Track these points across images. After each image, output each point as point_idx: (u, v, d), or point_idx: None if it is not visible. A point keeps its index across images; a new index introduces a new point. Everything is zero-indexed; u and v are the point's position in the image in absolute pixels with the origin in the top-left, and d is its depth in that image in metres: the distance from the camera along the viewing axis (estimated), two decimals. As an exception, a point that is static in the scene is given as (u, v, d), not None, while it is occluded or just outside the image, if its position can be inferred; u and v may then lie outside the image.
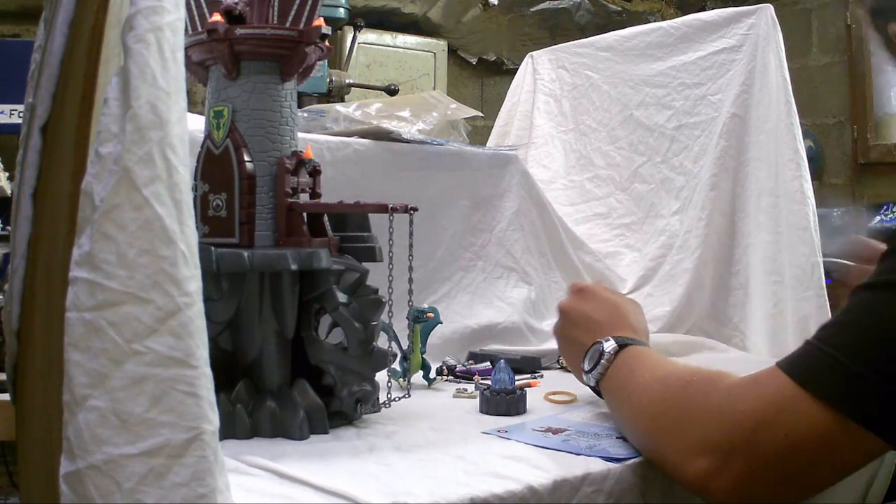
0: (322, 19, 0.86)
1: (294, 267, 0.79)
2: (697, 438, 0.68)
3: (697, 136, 1.53)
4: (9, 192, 2.13)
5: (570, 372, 1.23)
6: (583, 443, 0.78)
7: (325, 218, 0.88)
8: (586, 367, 0.89)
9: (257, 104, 0.83)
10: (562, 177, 1.74)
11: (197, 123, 0.90)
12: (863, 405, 0.62)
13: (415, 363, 1.05)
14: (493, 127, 1.87)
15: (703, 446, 0.67)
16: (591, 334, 0.90)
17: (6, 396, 0.72)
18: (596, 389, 0.89)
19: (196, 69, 0.87)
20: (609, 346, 0.86)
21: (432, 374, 1.09)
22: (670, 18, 2.02)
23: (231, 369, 0.83)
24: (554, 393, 1.01)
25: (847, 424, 0.62)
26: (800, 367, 0.65)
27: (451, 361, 1.15)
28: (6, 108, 2.36)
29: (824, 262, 1.28)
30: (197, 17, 0.86)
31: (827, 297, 1.27)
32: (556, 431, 0.83)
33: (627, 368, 0.84)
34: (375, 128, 1.30)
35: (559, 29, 3.99)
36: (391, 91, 1.97)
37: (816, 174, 3.71)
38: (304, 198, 0.87)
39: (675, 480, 0.72)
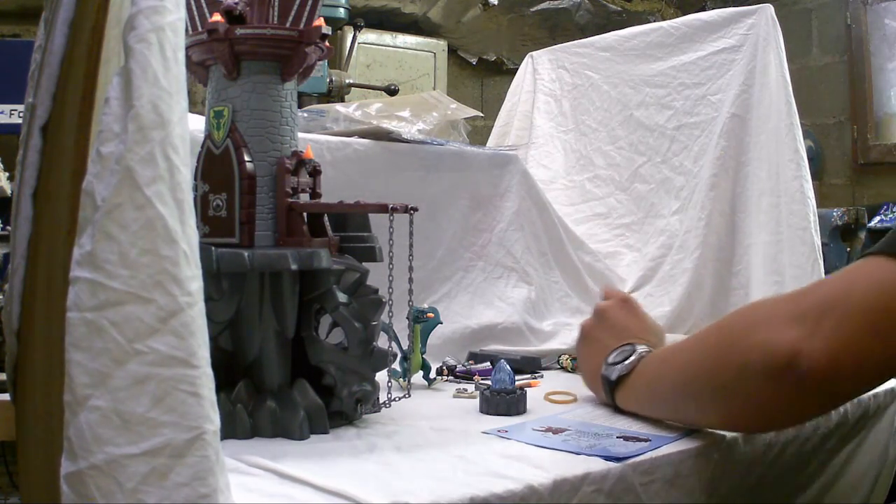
0: (322, 19, 0.86)
1: (294, 267, 0.79)
2: (785, 313, 0.68)
3: (697, 136, 1.53)
4: (9, 192, 2.13)
5: (570, 372, 1.23)
6: (583, 442, 0.78)
7: (325, 218, 0.88)
8: (613, 358, 0.90)
9: (257, 104, 0.83)
10: (562, 177, 1.74)
11: (197, 123, 0.90)
12: None
13: (415, 363, 1.05)
14: (493, 127, 1.87)
15: (792, 316, 0.67)
16: (620, 339, 0.93)
17: (6, 396, 0.72)
18: (610, 383, 0.89)
19: (196, 69, 0.87)
20: (642, 349, 0.89)
21: (432, 374, 1.09)
22: (670, 18, 2.02)
23: (231, 369, 0.83)
24: (554, 393, 1.01)
25: None
26: (876, 246, 0.68)
27: (451, 361, 1.15)
28: (6, 108, 2.36)
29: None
30: (197, 17, 0.86)
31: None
32: (556, 431, 0.83)
33: (657, 359, 0.86)
34: (375, 128, 1.30)
35: (559, 29, 3.99)
36: (391, 91, 1.97)
37: (816, 174, 3.72)
38: (304, 198, 0.87)
39: (763, 372, 0.69)
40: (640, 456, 0.75)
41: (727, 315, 0.80)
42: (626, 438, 0.80)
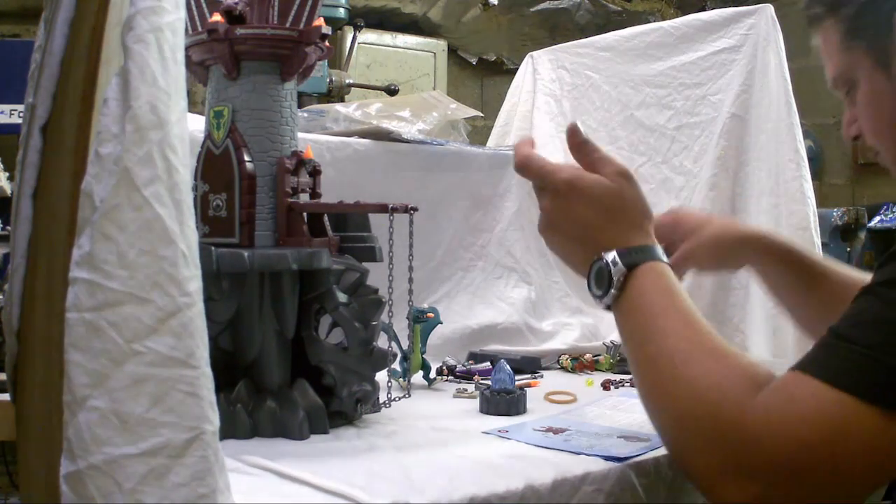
0: (322, 19, 0.86)
1: (294, 267, 0.79)
2: (732, 460, 0.63)
3: (697, 136, 1.53)
4: (9, 192, 2.13)
5: (570, 372, 1.23)
6: (583, 442, 0.78)
7: (326, 218, 0.88)
8: (595, 290, 0.76)
9: (257, 104, 0.83)
10: (562, 177, 1.74)
11: (197, 123, 0.90)
12: None
13: (415, 363, 1.05)
14: (493, 127, 1.87)
15: (738, 471, 0.62)
16: (589, 246, 0.77)
17: (6, 396, 0.72)
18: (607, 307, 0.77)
19: (196, 69, 0.87)
20: (616, 268, 0.74)
21: (432, 374, 1.09)
22: (670, 18, 2.02)
23: (231, 369, 0.83)
24: (554, 393, 1.01)
25: None
26: (835, 370, 0.61)
27: (451, 361, 1.15)
28: (6, 108, 2.36)
29: None
30: (197, 17, 0.86)
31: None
32: (556, 431, 0.83)
33: (647, 302, 0.75)
34: (375, 128, 1.30)
35: (559, 29, 3.99)
36: (391, 91, 1.97)
37: (816, 174, 3.71)
38: (304, 198, 0.87)
39: (702, 493, 0.67)
40: (640, 456, 0.75)
41: (701, 390, 0.67)
42: (626, 438, 0.80)
